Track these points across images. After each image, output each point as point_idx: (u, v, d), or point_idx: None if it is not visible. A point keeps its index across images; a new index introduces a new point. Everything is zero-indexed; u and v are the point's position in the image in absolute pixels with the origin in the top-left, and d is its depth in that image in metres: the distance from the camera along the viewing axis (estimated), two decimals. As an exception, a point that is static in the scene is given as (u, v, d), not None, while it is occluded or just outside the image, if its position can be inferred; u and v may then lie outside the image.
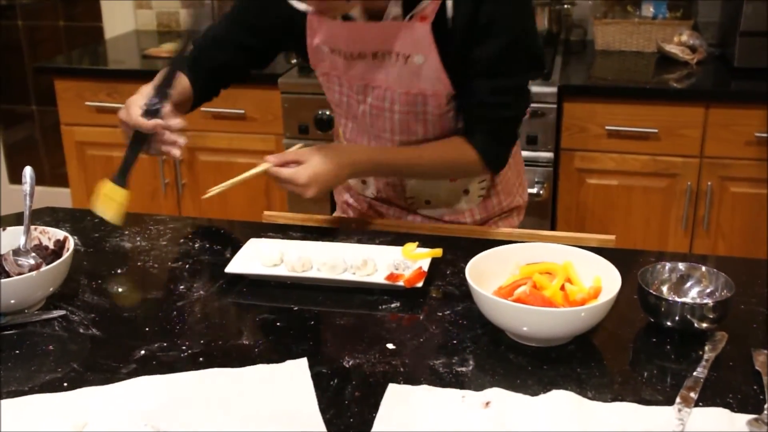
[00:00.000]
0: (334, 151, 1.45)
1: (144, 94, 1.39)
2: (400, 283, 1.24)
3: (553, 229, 2.70)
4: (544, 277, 1.17)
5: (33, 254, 1.26)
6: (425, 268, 1.27)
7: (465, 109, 1.49)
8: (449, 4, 1.36)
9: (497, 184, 1.66)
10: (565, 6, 3.09)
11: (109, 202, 1.39)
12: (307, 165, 1.39)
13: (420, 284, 1.24)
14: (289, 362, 1.06)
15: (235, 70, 1.63)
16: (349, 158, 1.45)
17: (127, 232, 1.49)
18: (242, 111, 2.83)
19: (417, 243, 1.34)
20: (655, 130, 2.54)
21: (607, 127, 2.56)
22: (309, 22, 1.48)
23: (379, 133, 1.54)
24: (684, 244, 2.64)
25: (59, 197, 3.72)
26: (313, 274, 1.30)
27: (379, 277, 1.27)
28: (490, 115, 1.47)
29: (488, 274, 1.18)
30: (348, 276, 1.28)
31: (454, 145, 1.49)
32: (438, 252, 1.33)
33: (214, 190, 1.46)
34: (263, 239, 1.40)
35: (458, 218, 1.64)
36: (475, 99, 1.46)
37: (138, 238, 1.47)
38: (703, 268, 1.18)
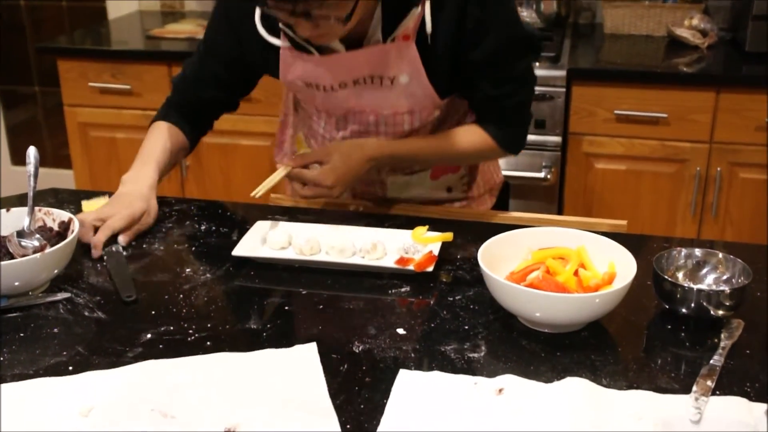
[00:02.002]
0: (353, 148, 1.45)
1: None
2: (411, 267, 1.22)
3: (560, 213, 2.67)
4: (557, 262, 1.14)
5: (37, 236, 1.24)
6: (436, 252, 1.26)
7: (472, 105, 1.51)
8: (428, 19, 1.35)
9: (476, 174, 1.67)
10: (574, -12, 3.06)
11: None
12: (332, 166, 1.41)
13: (430, 268, 1.22)
14: (298, 347, 1.05)
15: (220, 104, 1.59)
16: (370, 154, 1.46)
17: (132, 214, 1.47)
18: (247, 93, 2.80)
19: (427, 227, 1.32)
20: (665, 115, 2.51)
21: (615, 112, 2.53)
22: (282, 57, 1.43)
23: None
24: (692, 230, 2.61)
25: (62, 179, 3.69)
26: (321, 257, 1.28)
27: (388, 261, 1.25)
28: (498, 106, 1.48)
29: (500, 259, 1.16)
30: (357, 260, 1.27)
31: (470, 132, 1.50)
32: (448, 236, 1.31)
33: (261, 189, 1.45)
34: (271, 222, 1.38)
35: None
36: (479, 95, 1.47)
37: (143, 220, 1.45)
38: (720, 255, 1.16)
